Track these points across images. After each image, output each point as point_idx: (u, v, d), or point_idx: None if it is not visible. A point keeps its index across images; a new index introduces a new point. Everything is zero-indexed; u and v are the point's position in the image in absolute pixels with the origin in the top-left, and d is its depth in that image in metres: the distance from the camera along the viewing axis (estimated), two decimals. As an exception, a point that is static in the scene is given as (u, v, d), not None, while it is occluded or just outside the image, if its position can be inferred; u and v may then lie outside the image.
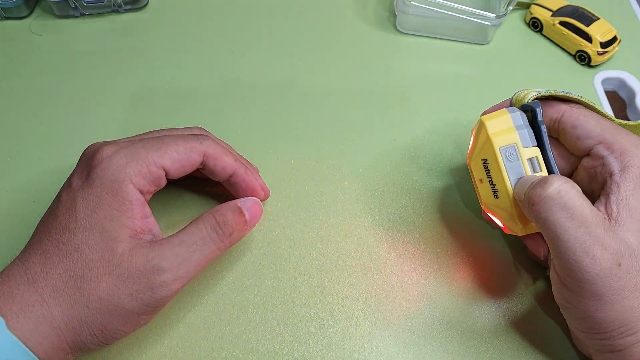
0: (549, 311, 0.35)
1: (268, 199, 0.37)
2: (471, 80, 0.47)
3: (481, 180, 0.33)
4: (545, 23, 0.49)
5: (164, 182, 0.31)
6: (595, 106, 0.32)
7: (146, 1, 0.50)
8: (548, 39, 0.50)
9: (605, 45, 0.47)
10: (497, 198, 0.32)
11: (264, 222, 0.37)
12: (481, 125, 0.32)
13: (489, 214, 0.34)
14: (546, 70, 0.48)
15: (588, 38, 0.47)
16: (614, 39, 0.47)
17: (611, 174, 0.29)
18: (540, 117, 0.31)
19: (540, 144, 0.31)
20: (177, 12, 0.50)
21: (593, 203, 0.29)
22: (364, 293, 0.35)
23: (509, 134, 0.31)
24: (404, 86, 0.46)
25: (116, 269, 0.27)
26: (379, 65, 0.47)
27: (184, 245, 0.29)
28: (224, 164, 0.33)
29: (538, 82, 0.46)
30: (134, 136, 0.33)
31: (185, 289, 0.34)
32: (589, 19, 0.48)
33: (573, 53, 0.49)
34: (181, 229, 0.30)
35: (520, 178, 0.30)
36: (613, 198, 0.28)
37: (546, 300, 0.35)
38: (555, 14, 0.49)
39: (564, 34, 0.48)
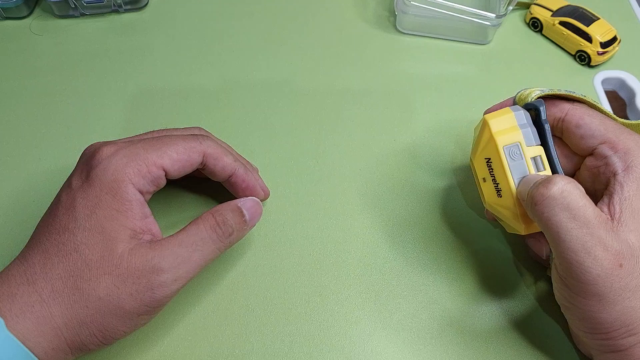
0: (549, 311, 0.35)
1: (268, 199, 0.37)
2: (471, 80, 0.47)
3: (484, 179, 0.33)
4: (545, 23, 0.49)
5: (163, 182, 0.31)
6: (598, 105, 0.32)
7: (146, 1, 0.50)
8: (548, 39, 0.50)
9: (605, 45, 0.47)
10: (501, 197, 0.32)
11: (264, 222, 0.37)
12: (484, 124, 0.32)
13: (492, 213, 0.34)
14: (546, 70, 0.48)
15: (588, 38, 0.47)
16: (614, 39, 0.47)
17: (614, 174, 0.29)
18: (544, 116, 0.31)
19: (543, 143, 0.31)
20: (177, 12, 0.50)
21: (596, 203, 0.29)
22: (364, 293, 0.35)
23: (512, 132, 0.31)
24: (404, 86, 0.46)
25: (116, 269, 0.27)
26: (379, 65, 0.47)
27: (184, 246, 0.29)
28: (223, 164, 0.33)
29: (538, 82, 0.46)
30: (134, 136, 0.33)
31: (185, 289, 0.34)
32: (589, 19, 0.48)
33: (573, 53, 0.49)
34: (181, 229, 0.30)
35: (523, 177, 0.30)
36: (616, 198, 0.28)
37: (547, 300, 0.35)
38: (555, 14, 0.49)
39: (564, 34, 0.48)
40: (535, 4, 0.51)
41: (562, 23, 0.48)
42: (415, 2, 0.46)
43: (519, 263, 0.37)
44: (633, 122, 0.33)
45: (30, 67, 0.45)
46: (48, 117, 0.42)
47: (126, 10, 0.50)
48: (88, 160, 0.29)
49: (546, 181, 0.28)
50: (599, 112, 0.32)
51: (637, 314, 0.26)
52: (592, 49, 0.47)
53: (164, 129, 0.34)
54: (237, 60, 0.47)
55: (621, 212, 0.28)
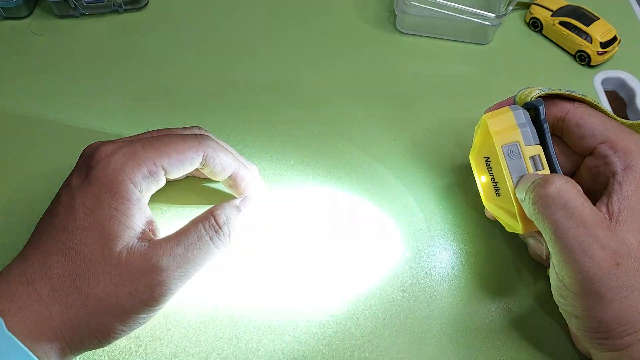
0: (549, 311, 0.35)
1: (267, 199, 0.37)
2: (471, 80, 0.47)
3: (483, 178, 0.33)
4: (545, 23, 0.49)
5: (163, 182, 0.31)
6: (599, 105, 0.32)
7: (146, 1, 0.50)
8: (548, 39, 0.50)
9: (605, 45, 0.47)
10: (499, 196, 0.32)
11: (264, 221, 0.37)
12: (484, 123, 0.32)
13: (491, 212, 0.34)
14: (546, 70, 0.48)
15: (588, 38, 0.47)
16: (614, 39, 0.47)
17: (614, 174, 0.29)
18: (542, 115, 0.31)
19: (543, 143, 0.31)
20: (177, 12, 0.50)
21: (596, 202, 0.29)
22: (364, 293, 0.35)
23: (511, 131, 0.31)
24: (404, 86, 0.46)
25: (114, 268, 0.27)
26: (379, 65, 0.47)
27: (183, 245, 0.29)
28: (223, 163, 0.33)
29: (538, 82, 0.46)
30: (133, 136, 0.33)
31: (185, 289, 0.34)
32: (589, 19, 0.47)
33: (573, 53, 0.49)
34: (180, 229, 0.30)
35: (522, 176, 0.30)
36: (615, 198, 0.28)
37: (546, 300, 0.35)
38: (555, 14, 0.49)
39: (564, 34, 0.48)
40: (535, 4, 0.51)
41: (562, 23, 0.48)
42: (415, 2, 0.46)
43: (519, 263, 0.37)
44: (633, 122, 0.33)
45: (30, 67, 0.45)
46: (48, 117, 0.42)
47: (126, 10, 0.50)
48: (87, 160, 0.29)
49: (544, 181, 0.28)
50: (599, 112, 0.32)
51: (634, 313, 0.26)
52: (592, 49, 0.47)
53: (163, 129, 0.34)
54: (237, 60, 0.47)
55: (619, 211, 0.28)
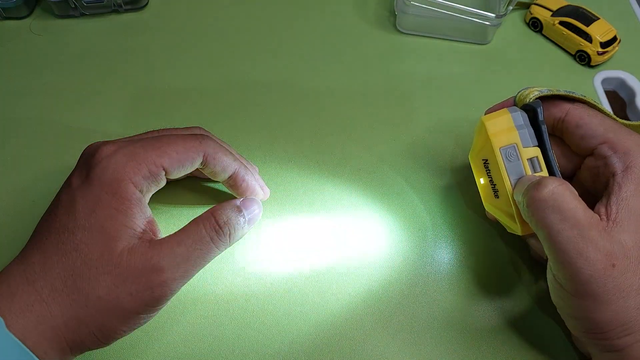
0: (549, 311, 0.35)
1: (268, 199, 0.37)
2: (471, 80, 0.47)
3: (482, 180, 0.33)
4: (545, 23, 0.49)
5: (163, 182, 0.31)
6: (599, 105, 0.32)
7: (146, 1, 0.50)
8: (548, 39, 0.50)
9: (605, 45, 0.47)
10: (498, 198, 0.32)
11: (264, 221, 0.37)
12: (482, 125, 0.32)
13: (490, 213, 0.34)
14: (546, 70, 0.48)
15: (588, 38, 0.47)
16: (614, 39, 0.47)
17: (614, 174, 0.29)
18: (541, 117, 0.31)
19: (541, 144, 0.31)
20: (177, 12, 0.50)
21: (596, 203, 0.29)
22: (364, 293, 0.35)
23: (509, 133, 0.31)
24: (404, 86, 0.46)
25: (115, 268, 0.27)
26: (379, 65, 0.47)
27: (183, 245, 0.29)
28: (223, 163, 0.33)
29: (538, 82, 0.46)
30: (134, 136, 0.33)
31: (185, 289, 0.34)
32: (589, 19, 0.48)
33: (573, 53, 0.49)
34: (180, 229, 0.30)
35: (520, 178, 0.30)
36: (613, 198, 0.28)
37: (546, 300, 0.35)
38: (555, 14, 0.49)
39: (564, 34, 0.48)
40: (535, 4, 0.51)
41: (562, 23, 0.48)
42: (415, 2, 0.46)
43: (518, 263, 0.37)
44: (633, 122, 0.33)
45: (30, 67, 0.45)
46: (48, 117, 0.42)
47: (126, 10, 0.50)
48: (88, 160, 0.29)
49: (538, 183, 0.28)
50: (599, 112, 0.32)
51: (632, 314, 0.26)
52: (592, 48, 0.47)
53: (164, 129, 0.34)
54: (237, 60, 0.47)
55: (617, 212, 0.28)
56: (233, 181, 0.34)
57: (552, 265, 0.28)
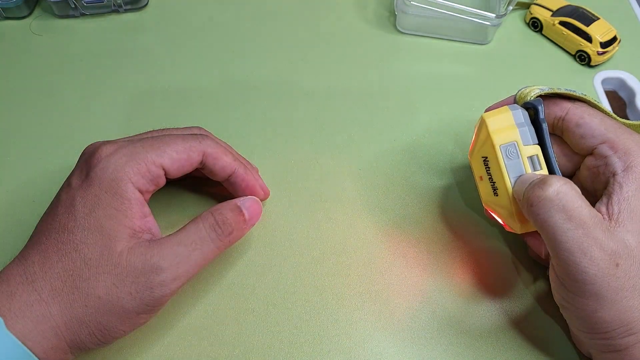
0: (549, 311, 0.35)
1: (268, 199, 0.37)
2: (471, 80, 0.47)
3: (481, 178, 0.33)
4: (545, 23, 0.49)
5: (163, 182, 0.31)
6: (599, 105, 0.32)
7: (146, 1, 0.50)
8: (548, 39, 0.50)
9: (605, 45, 0.47)
10: (497, 196, 0.32)
11: (264, 221, 0.37)
12: (482, 122, 0.32)
13: (489, 212, 0.34)
14: (546, 70, 0.48)
15: (588, 38, 0.47)
16: (614, 39, 0.47)
17: (614, 174, 0.29)
18: (541, 115, 0.31)
19: (541, 142, 0.31)
20: (177, 12, 0.50)
21: (595, 202, 0.29)
22: (364, 293, 0.35)
23: (509, 131, 0.31)
24: (404, 86, 0.46)
25: (115, 268, 0.27)
26: (379, 65, 0.47)
27: (183, 245, 0.29)
28: (223, 163, 0.33)
29: (538, 82, 0.45)
30: (134, 136, 0.33)
31: (185, 288, 0.34)
32: (589, 19, 0.47)
33: (573, 53, 0.49)
34: (180, 228, 0.30)
35: (520, 176, 0.30)
36: (615, 198, 0.28)
37: (546, 300, 0.35)
38: (555, 14, 0.49)
39: (564, 34, 0.48)
40: (535, 4, 0.51)
41: (562, 23, 0.48)
42: (415, 2, 0.46)
43: (518, 263, 0.37)
44: (634, 122, 0.33)
45: (30, 67, 0.45)
46: (48, 117, 0.42)
47: (126, 10, 0.50)
48: (88, 160, 0.29)
49: (542, 182, 0.28)
50: (599, 112, 0.32)
51: (635, 314, 0.26)
52: (592, 49, 0.47)
53: (163, 129, 0.34)
54: (237, 60, 0.47)
55: (619, 212, 0.28)
56: (233, 181, 0.34)
57: (555, 264, 0.28)
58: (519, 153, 0.30)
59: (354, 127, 0.43)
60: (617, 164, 0.29)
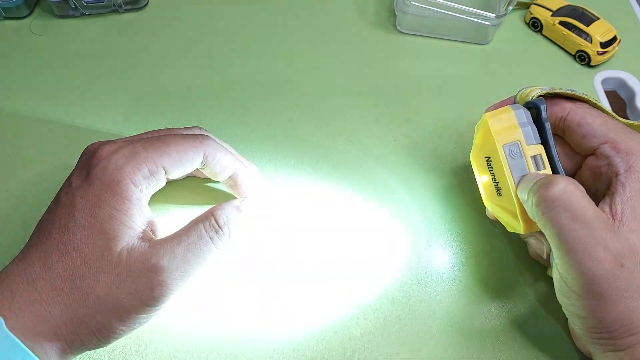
0: (549, 311, 0.35)
1: (267, 199, 0.37)
2: (471, 80, 0.47)
3: (484, 178, 0.33)
4: (545, 23, 0.49)
5: (163, 182, 0.31)
6: (600, 105, 0.32)
7: (146, 1, 0.50)
8: (548, 39, 0.50)
9: (605, 45, 0.47)
10: (500, 196, 0.32)
11: (263, 222, 0.37)
12: (484, 123, 0.32)
13: (492, 212, 0.34)
14: (546, 70, 0.48)
15: (588, 38, 0.47)
16: (614, 39, 0.47)
17: (617, 174, 0.29)
18: (544, 115, 0.31)
19: (544, 142, 0.31)
20: (177, 12, 0.50)
21: (597, 202, 0.29)
22: (364, 293, 0.35)
23: (512, 131, 0.31)
24: (404, 86, 0.46)
25: (115, 268, 0.27)
26: (379, 65, 0.47)
27: (183, 245, 0.29)
28: (224, 164, 0.33)
29: (538, 82, 0.45)
30: (134, 136, 0.33)
31: (185, 288, 0.34)
32: (589, 19, 0.48)
33: (573, 53, 0.49)
34: (180, 229, 0.30)
35: (523, 176, 0.30)
36: (618, 199, 0.28)
37: (547, 300, 0.35)
38: (555, 14, 0.49)
39: (564, 34, 0.48)
40: (535, 4, 0.51)
41: (562, 23, 0.48)
42: (415, 2, 0.46)
43: (519, 263, 0.37)
44: (634, 122, 0.33)
45: (30, 67, 0.45)
46: (48, 117, 0.42)
47: (126, 10, 0.50)
48: (88, 160, 0.29)
49: (547, 182, 0.28)
50: (601, 112, 0.32)
51: (637, 314, 0.26)
52: (592, 49, 0.47)
53: (164, 129, 0.34)
54: (237, 60, 0.47)
55: (622, 212, 0.28)
56: (233, 181, 0.34)
57: (560, 264, 0.28)
58: (522, 153, 0.30)
59: (354, 127, 0.43)
60: (620, 164, 0.29)
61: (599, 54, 0.47)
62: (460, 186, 0.40)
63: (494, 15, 0.45)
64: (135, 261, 0.27)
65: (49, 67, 0.45)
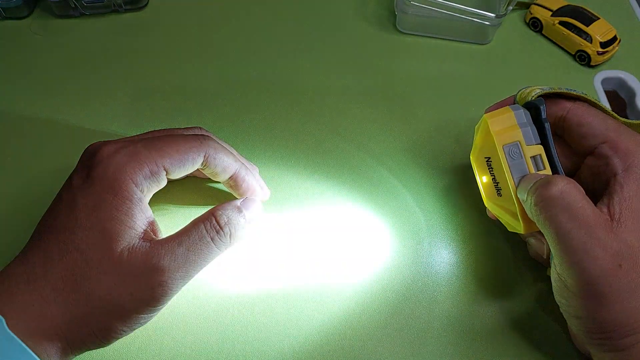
0: (549, 311, 0.35)
1: (268, 199, 0.37)
2: (471, 80, 0.47)
3: (484, 178, 0.33)
4: (545, 23, 0.49)
5: (164, 182, 0.31)
6: (600, 104, 0.32)
7: (146, 1, 0.50)
8: (548, 39, 0.50)
9: (605, 45, 0.47)
10: (500, 196, 0.32)
11: (264, 222, 0.37)
12: (484, 123, 0.32)
13: (492, 212, 0.34)
14: (546, 70, 0.48)
15: (588, 38, 0.47)
16: (614, 39, 0.47)
17: (615, 174, 0.29)
18: (544, 115, 0.31)
19: (544, 142, 0.31)
20: (177, 12, 0.50)
21: (596, 202, 0.29)
22: (364, 293, 0.35)
23: (512, 131, 0.31)
24: (404, 86, 0.46)
25: (116, 268, 0.27)
26: (379, 65, 0.47)
27: (184, 245, 0.29)
28: (224, 164, 0.33)
29: (538, 82, 0.45)
30: (135, 136, 0.33)
31: (185, 289, 0.34)
32: (589, 19, 0.48)
33: (573, 53, 0.49)
34: (181, 229, 0.30)
35: (523, 176, 0.30)
36: (616, 199, 0.28)
37: (546, 300, 0.35)
38: (555, 13, 0.49)
39: (564, 33, 0.48)
40: (535, 3, 0.51)
41: (562, 23, 0.48)
42: (415, 2, 0.46)
43: (519, 263, 0.37)
44: (634, 121, 0.33)
45: (31, 67, 0.45)
46: (48, 117, 0.42)
47: (126, 10, 0.49)
48: (89, 160, 0.29)
49: (546, 182, 0.28)
50: (600, 111, 0.32)
51: (635, 314, 0.26)
52: (592, 48, 0.47)
53: (165, 129, 0.34)
54: (237, 60, 0.47)
55: (621, 212, 0.28)
56: (234, 181, 0.34)
57: (558, 264, 0.28)
58: (522, 153, 0.30)
59: (354, 126, 0.43)
60: (618, 164, 0.29)
61: (599, 53, 0.47)
62: (461, 186, 0.40)
63: (494, 15, 0.45)
64: (136, 261, 0.27)
65: (49, 67, 0.45)
